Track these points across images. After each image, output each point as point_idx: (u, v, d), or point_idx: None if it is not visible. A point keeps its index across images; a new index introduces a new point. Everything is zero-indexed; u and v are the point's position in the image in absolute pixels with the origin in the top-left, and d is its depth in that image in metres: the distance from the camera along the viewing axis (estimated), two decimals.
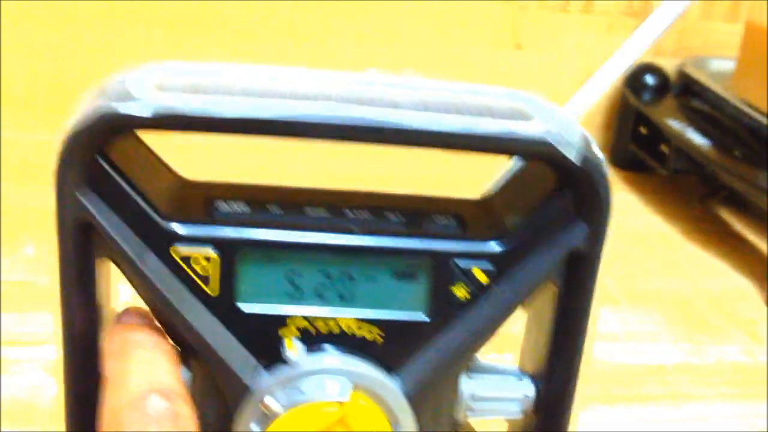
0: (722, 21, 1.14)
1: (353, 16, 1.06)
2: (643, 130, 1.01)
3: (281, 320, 0.35)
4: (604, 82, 0.38)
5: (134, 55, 0.97)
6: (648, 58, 1.04)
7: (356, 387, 0.34)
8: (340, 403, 0.34)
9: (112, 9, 0.98)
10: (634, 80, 1.04)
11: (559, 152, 0.32)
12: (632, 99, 1.03)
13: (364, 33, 1.07)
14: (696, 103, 0.99)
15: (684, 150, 0.93)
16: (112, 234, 0.33)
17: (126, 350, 0.33)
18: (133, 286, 0.34)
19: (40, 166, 0.87)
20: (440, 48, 1.10)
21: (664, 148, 0.97)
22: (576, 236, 0.34)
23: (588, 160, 0.33)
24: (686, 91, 1.02)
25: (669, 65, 1.04)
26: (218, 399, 0.35)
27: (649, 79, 1.04)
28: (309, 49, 1.05)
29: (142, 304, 0.35)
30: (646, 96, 1.03)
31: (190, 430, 0.31)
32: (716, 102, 0.95)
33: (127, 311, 0.35)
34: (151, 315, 0.35)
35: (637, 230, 0.92)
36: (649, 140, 1.00)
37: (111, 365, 0.33)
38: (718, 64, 1.03)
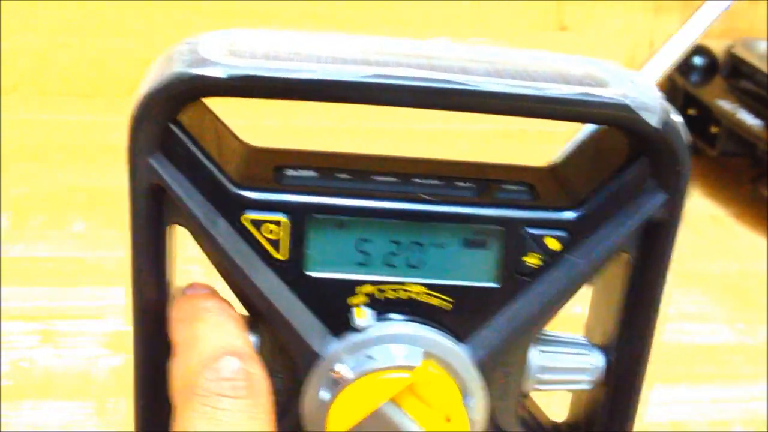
0: None
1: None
2: (691, 111, 1.01)
3: (350, 287, 0.35)
4: (680, 48, 0.37)
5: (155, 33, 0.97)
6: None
7: (426, 354, 0.34)
8: (411, 369, 0.34)
9: None
10: (682, 62, 1.03)
11: (639, 117, 0.32)
12: (681, 81, 1.02)
13: (403, 17, 1.07)
14: (745, 84, 0.99)
15: (734, 131, 0.93)
16: (184, 199, 0.33)
17: (196, 316, 0.34)
18: (204, 251, 0.35)
19: (81, 147, 0.88)
20: (484, 31, 1.10)
21: (713, 129, 0.96)
22: (653, 204, 0.34)
23: (668, 124, 0.32)
24: (735, 72, 1.01)
25: (717, 47, 1.04)
26: (287, 365, 0.36)
27: (698, 61, 1.03)
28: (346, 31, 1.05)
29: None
30: (695, 78, 1.03)
31: (262, 388, 0.31)
32: (766, 83, 0.95)
33: (192, 284, 0.36)
34: (214, 288, 0.35)
35: (687, 213, 0.91)
36: (698, 122, 0.99)
37: (181, 330, 0.34)
38: (766, 46, 1.03)
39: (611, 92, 0.32)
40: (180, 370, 0.32)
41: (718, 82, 1.01)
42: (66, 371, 0.59)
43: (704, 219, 0.92)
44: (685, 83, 1.02)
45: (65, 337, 0.62)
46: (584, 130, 0.38)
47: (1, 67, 0.96)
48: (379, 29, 1.06)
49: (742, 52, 1.02)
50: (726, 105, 0.95)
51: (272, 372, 0.35)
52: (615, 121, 0.33)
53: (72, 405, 0.57)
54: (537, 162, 0.39)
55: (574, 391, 0.41)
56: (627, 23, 1.12)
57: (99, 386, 0.58)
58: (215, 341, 0.32)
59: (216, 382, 0.31)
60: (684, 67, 1.03)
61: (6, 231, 0.75)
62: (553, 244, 0.34)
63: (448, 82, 0.31)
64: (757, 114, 0.92)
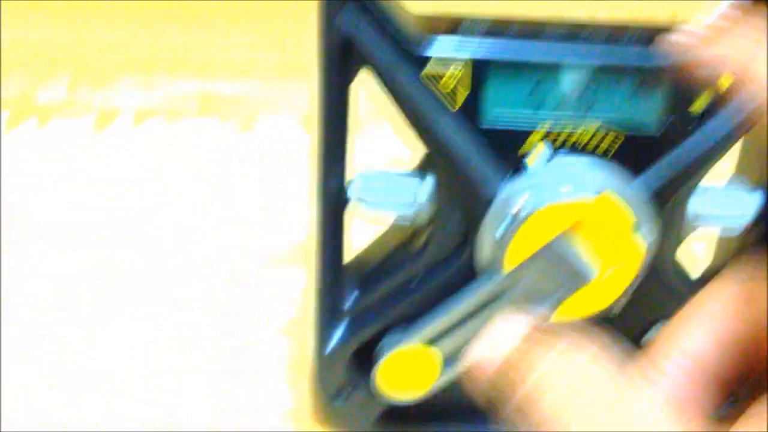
0: None
1: None
2: None
3: (524, 132, 0.37)
4: None
5: None
6: None
7: (601, 188, 0.36)
8: (587, 202, 0.35)
9: None
10: None
11: None
12: None
13: None
14: None
15: None
16: (373, 49, 0.36)
17: None
18: (389, 98, 0.37)
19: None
20: None
21: None
22: None
23: None
24: None
25: None
26: (463, 206, 0.38)
27: None
28: None
29: None
30: None
31: None
32: None
33: None
34: None
35: None
36: None
37: None
38: None
39: None
40: None
41: None
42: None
43: None
44: None
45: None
46: None
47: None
48: None
49: None
50: None
51: (447, 214, 0.38)
52: None
53: None
54: None
55: (722, 238, 0.43)
56: None
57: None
58: None
59: None
60: None
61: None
62: (722, 87, 0.36)
63: None
64: None
